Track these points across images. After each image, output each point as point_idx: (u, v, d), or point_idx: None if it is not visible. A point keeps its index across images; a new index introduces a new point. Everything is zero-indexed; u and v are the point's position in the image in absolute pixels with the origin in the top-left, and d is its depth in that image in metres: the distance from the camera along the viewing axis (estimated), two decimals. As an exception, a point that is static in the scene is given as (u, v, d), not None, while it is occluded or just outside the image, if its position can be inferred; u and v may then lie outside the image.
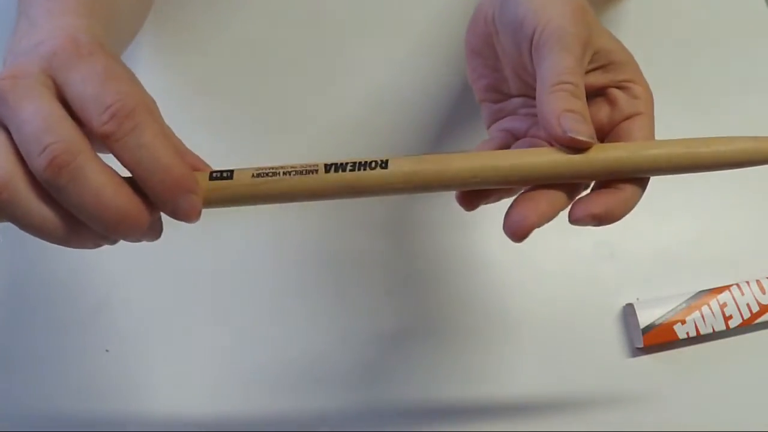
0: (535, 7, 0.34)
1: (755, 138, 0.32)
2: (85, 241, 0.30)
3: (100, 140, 0.29)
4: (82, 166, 0.28)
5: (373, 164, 0.32)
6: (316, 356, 0.49)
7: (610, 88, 0.35)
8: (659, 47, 0.56)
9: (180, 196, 0.30)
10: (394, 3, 0.59)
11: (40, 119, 0.28)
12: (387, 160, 0.32)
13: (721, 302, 0.48)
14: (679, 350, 0.48)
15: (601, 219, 0.32)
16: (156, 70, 0.57)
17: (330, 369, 0.48)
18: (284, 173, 0.32)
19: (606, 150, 0.32)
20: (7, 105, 0.29)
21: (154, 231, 0.32)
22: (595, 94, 0.35)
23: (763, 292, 0.49)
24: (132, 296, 0.50)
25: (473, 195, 0.35)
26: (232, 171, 0.32)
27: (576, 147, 0.32)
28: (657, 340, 0.47)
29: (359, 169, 0.32)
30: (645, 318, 0.48)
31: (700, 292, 0.49)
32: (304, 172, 0.32)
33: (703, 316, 0.48)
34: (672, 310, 0.48)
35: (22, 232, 0.30)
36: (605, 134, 0.35)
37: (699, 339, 0.48)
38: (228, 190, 0.31)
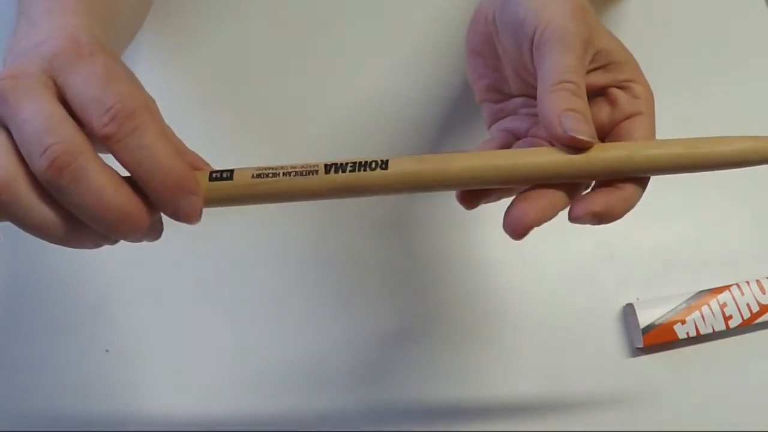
0: (536, 6, 0.34)
1: (755, 138, 0.32)
2: (86, 241, 0.30)
3: (100, 141, 0.29)
4: (83, 166, 0.28)
5: (373, 165, 0.32)
6: (317, 356, 0.49)
7: (611, 88, 0.35)
8: (659, 47, 0.56)
9: (181, 198, 0.30)
10: (394, 3, 0.59)
11: (41, 119, 0.28)
12: (387, 161, 0.32)
13: (721, 302, 0.48)
14: (679, 350, 0.48)
15: (602, 217, 0.32)
16: (156, 70, 0.57)
17: (331, 369, 0.48)
18: (284, 174, 0.31)
19: (606, 150, 0.32)
20: (8, 105, 0.29)
21: (154, 231, 0.32)
22: (595, 93, 0.35)
23: (763, 292, 0.49)
24: (132, 296, 0.50)
25: (473, 194, 0.35)
26: (231, 171, 0.32)
27: (577, 146, 0.32)
28: (657, 340, 0.47)
29: (359, 170, 0.32)
30: (645, 318, 0.48)
31: (700, 292, 0.49)
32: (303, 173, 0.32)
33: (703, 316, 0.48)
34: (672, 310, 0.48)
35: (21, 232, 0.30)
36: (606, 134, 0.35)
37: (699, 339, 0.48)
38: (228, 190, 0.31)
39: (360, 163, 0.32)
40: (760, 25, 0.58)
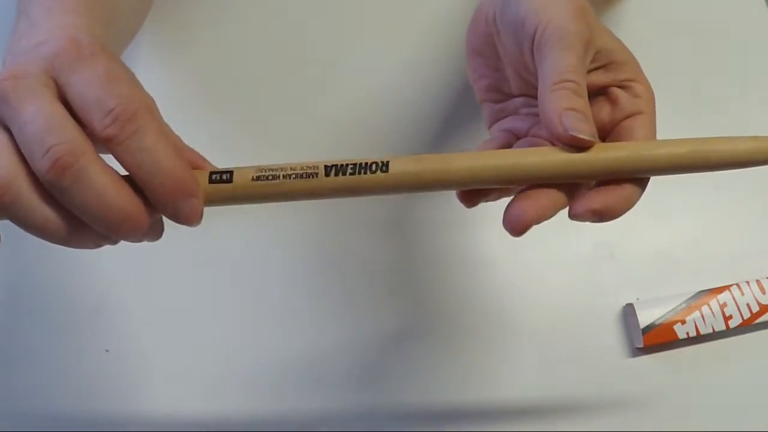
0: (537, 6, 0.34)
1: (756, 138, 0.32)
2: (87, 241, 0.30)
3: (101, 143, 0.29)
4: (85, 167, 0.28)
5: (374, 167, 0.32)
6: (316, 356, 0.49)
7: (612, 88, 0.35)
8: (659, 47, 0.56)
9: (181, 200, 0.30)
10: (394, 3, 0.58)
11: (42, 120, 0.28)
12: (388, 162, 0.32)
13: (721, 302, 0.48)
14: (679, 350, 0.48)
15: (602, 215, 0.32)
16: (156, 69, 0.57)
17: (330, 369, 0.48)
18: (284, 176, 0.31)
19: (607, 150, 0.32)
20: (9, 105, 0.28)
21: (155, 231, 0.32)
22: (596, 93, 0.35)
23: (763, 292, 0.49)
24: (132, 296, 0.50)
25: (474, 192, 0.35)
26: (231, 173, 0.31)
27: (577, 145, 0.32)
28: (657, 340, 0.47)
29: (359, 173, 0.31)
30: (645, 318, 0.48)
31: (700, 292, 0.49)
32: (304, 176, 0.31)
33: (703, 316, 0.48)
34: (672, 310, 0.48)
35: (21, 233, 0.30)
36: (606, 133, 0.35)
37: (699, 339, 0.48)
38: (228, 192, 0.31)
39: (360, 164, 0.32)
40: (760, 25, 0.58)
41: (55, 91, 0.29)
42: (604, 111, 0.35)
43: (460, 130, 0.54)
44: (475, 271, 0.51)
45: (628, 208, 0.33)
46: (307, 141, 0.54)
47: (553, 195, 0.32)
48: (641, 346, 0.48)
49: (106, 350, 0.49)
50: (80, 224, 0.29)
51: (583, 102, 0.32)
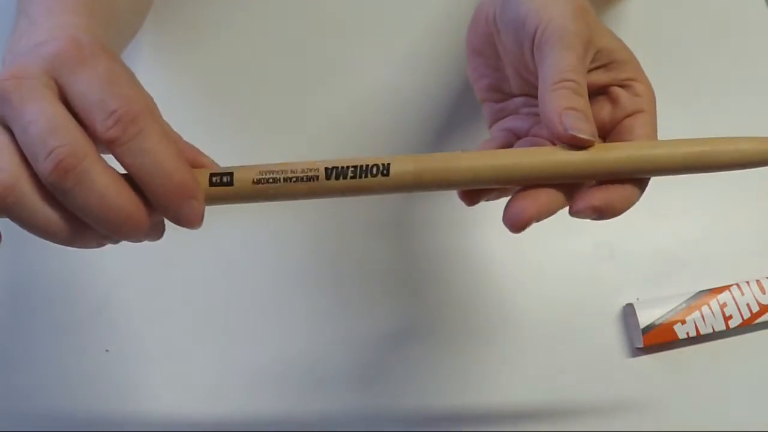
0: (537, 6, 0.34)
1: (757, 138, 0.32)
2: (89, 241, 0.30)
3: (103, 144, 0.29)
4: (87, 169, 0.28)
5: (375, 170, 0.31)
6: (316, 356, 0.49)
7: (612, 87, 0.35)
8: (659, 47, 0.56)
9: (182, 202, 0.30)
10: (394, 3, 0.58)
11: (44, 121, 0.28)
12: (389, 165, 0.32)
13: (721, 302, 0.48)
14: (679, 350, 0.48)
15: (602, 212, 0.32)
16: (156, 69, 0.57)
17: (330, 369, 0.48)
18: (285, 179, 0.31)
19: (608, 149, 0.32)
20: (11, 105, 0.28)
21: (156, 231, 0.32)
22: (597, 92, 0.35)
23: (763, 292, 0.49)
24: (132, 296, 0.50)
25: (474, 191, 0.35)
26: (231, 174, 0.31)
27: (577, 145, 0.32)
28: (657, 340, 0.47)
29: (360, 176, 0.31)
30: (645, 318, 0.48)
31: (700, 292, 0.49)
32: (304, 179, 0.31)
33: (703, 316, 0.48)
34: (672, 310, 0.48)
35: (22, 233, 0.30)
36: (607, 133, 0.35)
37: (699, 339, 0.48)
38: (228, 193, 0.31)
39: (361, 167, 0.31)
40: (760, 25, 0.58)
41: (56, 92, 0.29)
42: (605, 110, 0.35)
43: (461, 129, 0.54)
44: (475, 271, 0.51)
45: (629, 207, 0.33)
46: (308, 141, 0.54)
47: (553, 193, 0.32)
48: (641, 346, 0.48)
49: (107, 350, 0.49)
50: (83, 225, 0.29)
51: (583, 101, 0.32)
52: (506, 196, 0.34)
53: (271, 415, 0.47)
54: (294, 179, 0.31)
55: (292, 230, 0.52)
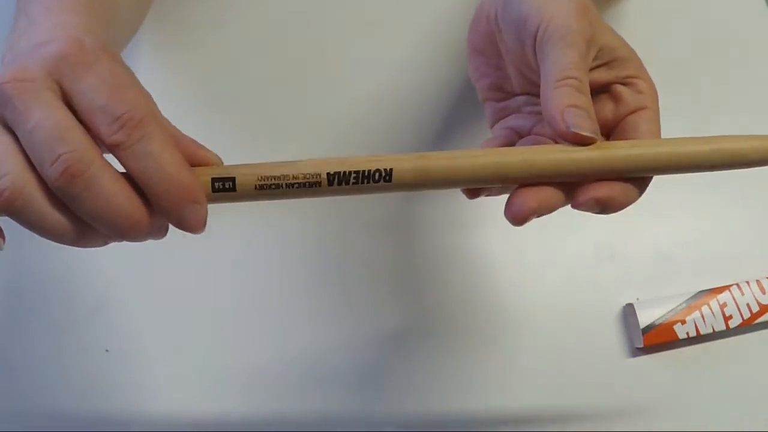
0: (539, 4, 0.34)
1: (759, 137, 0.32)
2: (94, 242, 0.30)
3: (107, 148, 0.29)
4: (94, 175, 0.28)
5: (377, 176, 0.31)
6: (317, 356, 0.49)
7: (615, 85, 0.35)
8: (659, 47, 0.56)
9: (185, 206, 0.30)
10: (394, 3, 0.58)
11: (50, 127, 0.28)
12: (391, 170, 0.31)
13: (721, 302, 0.48)
14: (679, 350, 0.48)
15: (604, 205, 0.32)
16: (155, 69, 0.57)
17: (331, 369, 0.48)
18: (287, 186, 0.31)
19: (610, 148, 0.32)
20: (15, 109, 0.28)
21: (160, 231, 0.32)
22: (599, 90, 0.35)
23: (763, 292, 0.49)
24: (131, 296, 0.50)
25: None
26: (234, 180, 0.31)
27: (580, 142, 0.32)
28: (657, 340, 0.47)
29: (362, 182, 0.31)
30: (645, 318, 0.48)
31: (700, 292, 0.49)
32: (307, 185, 0.31)
33: (703, 316, 0.48)
34: (672, 310, 0.48)
35: (21, 232, 0.30)
36: (610, 130, 0.35)
37: (699, 339, 0.48)
38: (229, 197, 0.31)
39: (363, 173, 0.31)
40: (760, 25, 0.58)
41: (59, 94, 0.29)
42: (608, 108, 0.35)
43: (462, 129, 0.54)
44: (476, 271, 0.51)
45: (630, 202, 0.33)
46: (309, 140, 0.54)
47: (555, 190, 0.32)
48: (641, 346, 0.48)
49: (106, 350, 0.49)
50: (89, 226, 0.29)
51: (585, 99, 0.32)
52: (507, 193, 0.34)
53: (272, 415, 0.47)
54: (296, 185, 0.31)
55: (292, 230, 0.52)
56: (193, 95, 0.56)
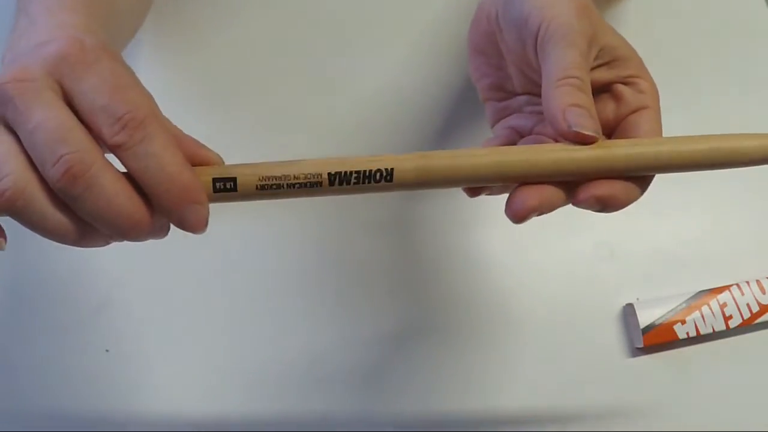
0: (540, 4, 0.34)
1: (761, 136, 0.32)
2: (96, 241, 0.30)
3: (108, 148, 0.29)
4: (96, 175, 0.28)
5: (378, 176, 0.31)
6: (317, 356, 0.49)
7: (616, 84, 0.35)
8: (659, 47, 0.56)
9: (186, 207, 0.30)
10: (395, 3, 0.58)
11: (52, 127, 0.28)
12: (392, 170, 0.31)
13: (721, 302, 0.48)
14: (679, 350, 0.48)
15: (605, 203, 0.32)
16: (156, 69, 0.57)
17: (331, 369, 0.48)
18: (288, 186, 0.31)
19: (611, 147, 0.32)
20: (16, 109, 0.28)
21: (162, 231, 0.32)
22: (600, 90, 0.35)
23: (763, 292, 0.49)
24: (132, 296, 0.50)
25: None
26: (235, 180, 0.31)
27: (581, 142, 0.32)
28: (657, 340, 0.47)
29: (363, 182, 0.31)
30: (645, 318, 0.48)
31: (700, 292, 0.49)
32: (308, 185, 0.31)
33: (703, 316, 0.48)
34: (672, 310, 0.48)
35: (22, 232, 0.30)
36: (612, 130, 0.35)
37: (699, 339, 0.48)
38: (230, 197, 0.31)
39: (364, 173, 0.31)
40: (760, 25, 0.58)
41: (60, 95, 0.29)
42: (609, 108, 0.35)
43: (462, 129, 0.54)
44: (476, 271, 0.51)
45: (632, 201, 0.33)
46: (308, 140, 0.54)
47: (556, 188, 0.32)
48: (641, 346, 0.48)
49: (107, 350, 0.49)
50: (90, 226, 0.29)
51: (587, 98, 0.32)
52: (508, 192, 0.34)
53: (271, 416, 0.47)
54: (297, 185, 0.31)
55: (292, 230, 0.52)
56: (193, 95, 0.56)
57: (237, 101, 0.56)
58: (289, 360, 0.49)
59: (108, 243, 0.31)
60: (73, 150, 0.28)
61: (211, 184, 0.31)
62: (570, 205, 0.33)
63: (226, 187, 0.31)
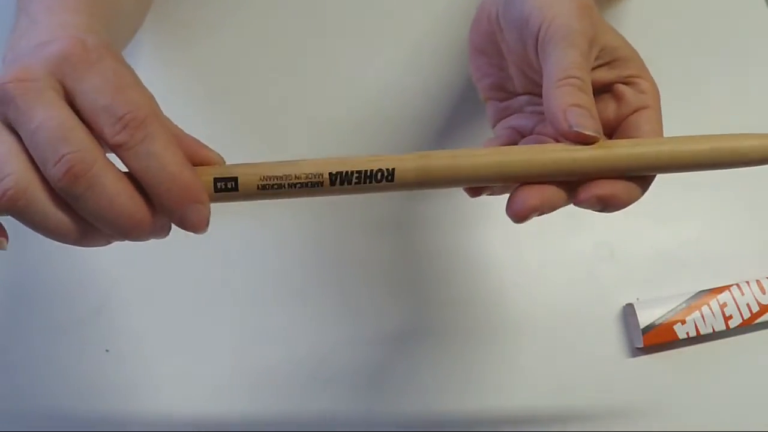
0: (541, 4, 0.34)
1: (761, 135, 0.32)
2: (97, 241, 0.30)
3: (109, 147, 0.29)
4: (97, 175, 0.28)
5: (379, 176, 0.31)
6: (318, 356, 0.49)
7: (617, 84, 0.35)
8: (659, 47, 0.56)
9: (187, 207, 0.30)
10: (395, 3, 0.58)
11: (54, 127, 0.28)
12: (393, 170, 0.31)
13: (721, 302, 0.48)
14: (679, 350, 0.48)
15: (606, 202, 0.32)
16: (156, 68, 0.56)
17: (332, 369, 0.48)
18: (289, 186, 0.31)
19: (612, 147, 0.32)
20: (18, 109, 0.28)
21: (163, 231, 0.32)
22: (601, 90, 0.35)
23: (763, 292, 0.49)
24: (132, 296, 0.50)
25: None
26: (236, 180, 0.31)
27: (582, 142, 0.32)
28: (657, 340, 0.47)
29: (365, 182, 0.31)
30: (645, 318, 0.48)
31: (700, 292, 0.49)
32: (309, 185, 0.31)
33: (703, 316, 0.48)
34: (672, 310, 0.48)
35: (22, 232, 0.30)
36: (612, 130, 0.35)
37: (699, 339, 0.48)
38: (231, 197, 0.31)
39: (365, 173, 0.31)
40: (760, 25, 0.58)
41: (62, 94, 0.29)
42: (610, 108, 0.35)
43: (463, 129, 0.54)
44: (476, 270, 0.51)
45: (633, 201, 0.33)
46: (309, 140, 0.54)
47: (557, 188, 0.32)
48: (641, 346, 0.48)
49: (107, 350, 0.49)
50: (91, 226, 0.29)
51: (587, 98, 0.32)
52: (509, 192, 0.34)
53: (272, 415, 0.47)
54: (299, 185, 0.31)
55: (293, 230, 0.52)
56: (194, 94, 0.56)
57: (237, 101, 0.56)
58: (289, 360, 0.48)
59: (109, 242, 0.31)
60: (75, 149, 0.28)
61: (213, 184, 0.31)
62: (570, 205, 0.33)
63: (228, 187, 0.31)
